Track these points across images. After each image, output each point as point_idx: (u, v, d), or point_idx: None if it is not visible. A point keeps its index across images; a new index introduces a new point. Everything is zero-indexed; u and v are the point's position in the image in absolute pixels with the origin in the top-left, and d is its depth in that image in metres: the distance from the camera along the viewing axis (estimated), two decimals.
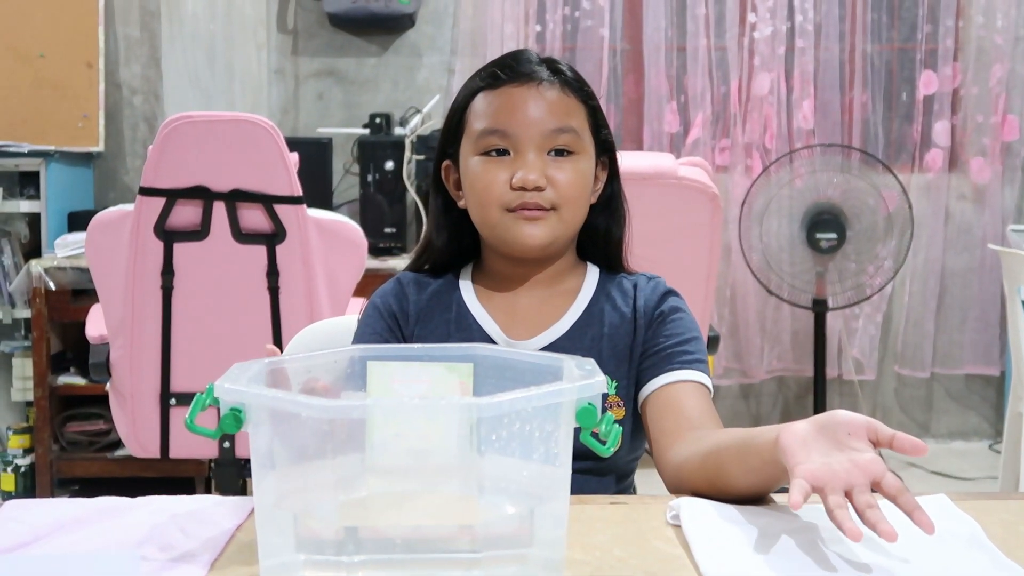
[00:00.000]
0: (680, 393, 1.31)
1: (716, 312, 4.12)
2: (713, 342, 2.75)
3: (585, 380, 0.91)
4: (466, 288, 1.42)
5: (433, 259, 1.44)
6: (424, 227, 3.77)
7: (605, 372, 1.33)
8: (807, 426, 1.01)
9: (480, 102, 1.35)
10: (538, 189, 1.31)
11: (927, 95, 4.17)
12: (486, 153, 1.34)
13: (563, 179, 1.32)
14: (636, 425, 1.36)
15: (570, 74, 1.37)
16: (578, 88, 1.37)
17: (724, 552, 0.98)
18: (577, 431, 0.91)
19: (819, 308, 3.88)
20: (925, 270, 4.21)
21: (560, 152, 1.33)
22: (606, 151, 1.40)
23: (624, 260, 1.44)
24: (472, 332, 1.37)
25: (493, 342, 1.36)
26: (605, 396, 1.33)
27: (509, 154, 1.33)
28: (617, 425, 0.94)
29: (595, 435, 0.91)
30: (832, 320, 4.10)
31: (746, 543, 1.00)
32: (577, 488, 0.93)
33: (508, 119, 1.32)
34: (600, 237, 1.43)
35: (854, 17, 4.16)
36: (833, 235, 3.79)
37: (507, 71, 1.35)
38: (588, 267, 1.44)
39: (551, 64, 1.37)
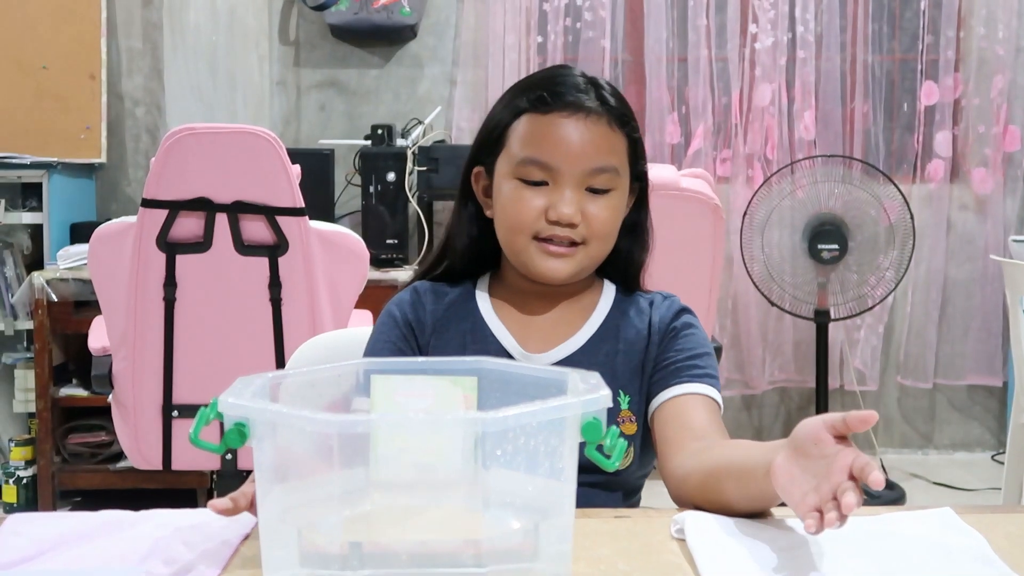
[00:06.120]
0: (687, 405, 1.31)
1: (718, 323, 4.11)
2: (715, 353, 2.75)
3: (590, 394, 0.91)
4: (483, 299, 1.41)
5: (452, 262, 1.43)
6: (428, 236, 3.79)
7: (619, 387, 1.35)
8: (786, 456, 1.00)
9: (524, 125, 1.33)
10: (571, 225, 1.31)
11: (928, 106, 4.17)
12: (523, 179, 1.33)
13: (597, 215, 1.32)
14: (646, 441, 1.36)
15: (615, 103, 1.34)
16: (624, 122, 1.34)
17: (728, 566, 0.98)
18: (582, 445, 0.90)
19: (821, 319, 3.87)
20: (927, 281, 4.21)
21: (597, 189, 1.33)
22: (638, 179, 1.40)
23: (641, 281, 1.45)
24: (488, 344, 1.37)
25: (509, 355, 1.36)
26: (619, 411, 1.34)
27: (547, 184, 1.32)
28: (622, 439, 0.93)
29: (600, 449, 0.91)
30: (834, 331, 4.09)
31: (750, 557, 1.00)
32: (584, 503, 0.93)
33: (552, 151, 1.31)
34: (622, 259, 1.42)
35: (855, 28, 4.16)
36: (835, 246, 3.78)
37: (554, 97, 1.32)
38: (605, 283, 1.44)
39: (598, 91, 1.34)
